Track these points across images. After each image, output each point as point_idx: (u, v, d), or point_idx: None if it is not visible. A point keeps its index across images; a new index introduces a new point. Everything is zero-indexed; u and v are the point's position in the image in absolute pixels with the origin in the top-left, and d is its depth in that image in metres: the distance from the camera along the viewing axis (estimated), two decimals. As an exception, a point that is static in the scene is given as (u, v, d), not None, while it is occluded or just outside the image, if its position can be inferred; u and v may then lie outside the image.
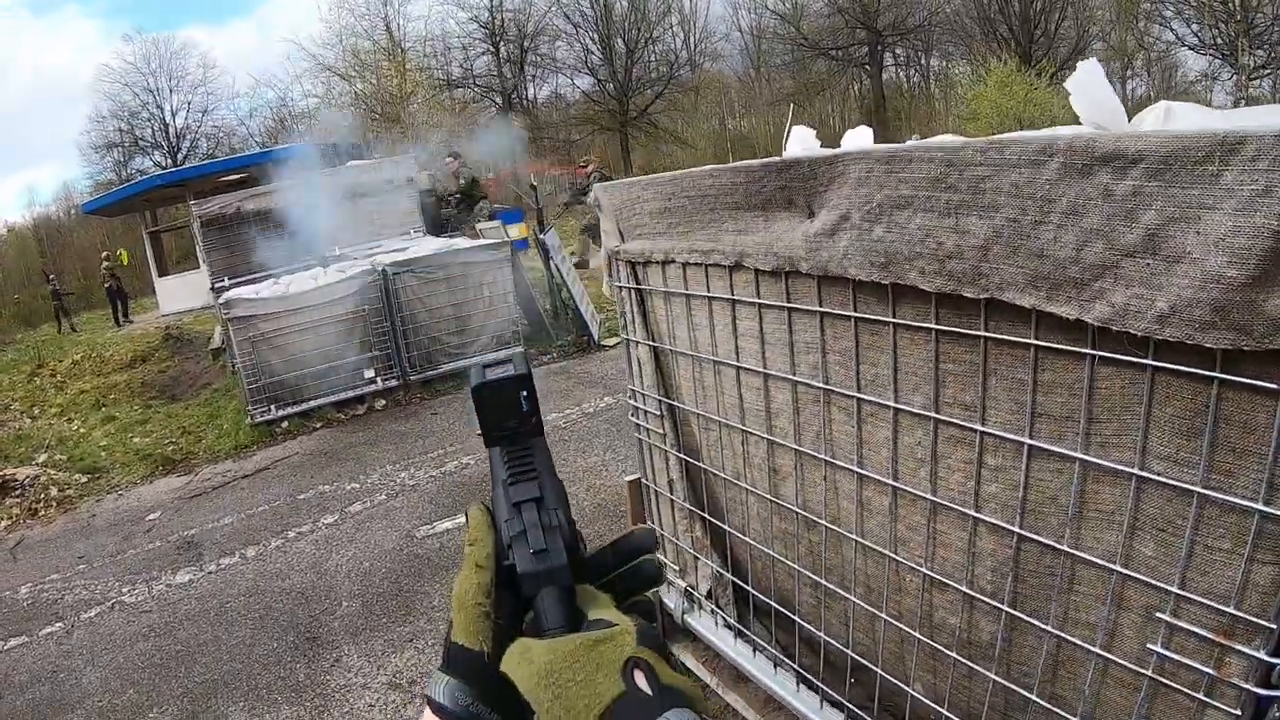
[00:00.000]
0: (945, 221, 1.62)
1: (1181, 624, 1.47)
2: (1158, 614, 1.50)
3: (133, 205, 21.25)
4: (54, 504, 7.54)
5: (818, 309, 2.03)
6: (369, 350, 8.46)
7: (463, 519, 5.53)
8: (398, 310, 8.45)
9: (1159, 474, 1.44)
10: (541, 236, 9.83)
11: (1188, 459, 1.40)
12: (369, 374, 8.49)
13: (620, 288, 2.91)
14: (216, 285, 9.87)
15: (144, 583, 5.51)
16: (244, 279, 9.76)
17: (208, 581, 5.38)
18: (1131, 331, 1.37)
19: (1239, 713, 1.42)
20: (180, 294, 20.30)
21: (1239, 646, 1.40)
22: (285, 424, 8.28)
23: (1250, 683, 1.39)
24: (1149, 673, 1.54)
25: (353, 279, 8.30)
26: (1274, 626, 1.37)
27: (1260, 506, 1.31)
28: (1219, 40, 29.51)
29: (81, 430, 10.06)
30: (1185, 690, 1.49)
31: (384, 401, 8.63)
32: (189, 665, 4.36)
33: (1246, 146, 1.16)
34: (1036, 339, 1.56)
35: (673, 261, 2.55)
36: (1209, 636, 1.43)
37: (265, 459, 7.68)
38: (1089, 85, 1.95)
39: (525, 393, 0.64)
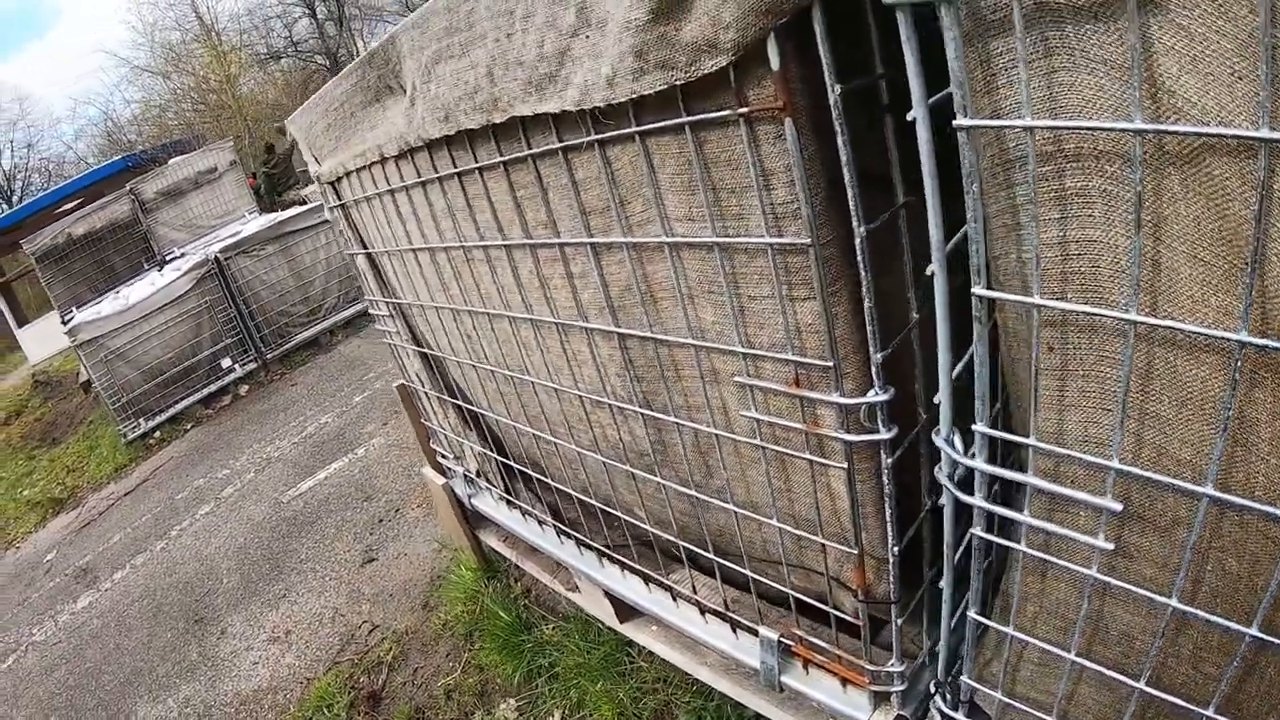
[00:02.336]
0: (464, 61, 1.66)
1: (762, 384, 1.48)
2: (736, 378, 1.51)
3: (-29, 260, 20.08)
4: (-46, 572, 7.39)
5: (423, 178, 2.08)
6: (221, 340, 8.33)
7: (323, 473, 5.70)
8: (239, 294, 8.30)
9: (683, 236, 1.46)
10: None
11: (699, 214, 1.40)
12: (226, 363, 8.39)
13: (331, 208, 2.94)
14: (66, 318, 9.56)
15: (50, 619, 5.60)
16: (90, 304, 9.47)
17: (105, 599, 5.47)
18: (596, 105, 1.38)
19: (846, 466, 1.42)
20: (45, 339, 19.47)
21: (813, 394, 1.39)
22: (158, 433, 8.19)
23: (844, 430, 1.38)
24: (760, 442, 1.56)
25: (188, 274, 8.10)
26: (830, 364, 1.33)
27: (772, 240, 1.29)
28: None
29: (-32, 496, 9.78)
30: (795, 454, 1.51)
31: (247, 386, 8.56)
32: (99, 678, 4.51)
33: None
34: (561, 140, 1.57)
35: (352, 172, 2.58)
36: (786, 391, 1.43)
37: (144, 472, 7.63)
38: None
39: None
